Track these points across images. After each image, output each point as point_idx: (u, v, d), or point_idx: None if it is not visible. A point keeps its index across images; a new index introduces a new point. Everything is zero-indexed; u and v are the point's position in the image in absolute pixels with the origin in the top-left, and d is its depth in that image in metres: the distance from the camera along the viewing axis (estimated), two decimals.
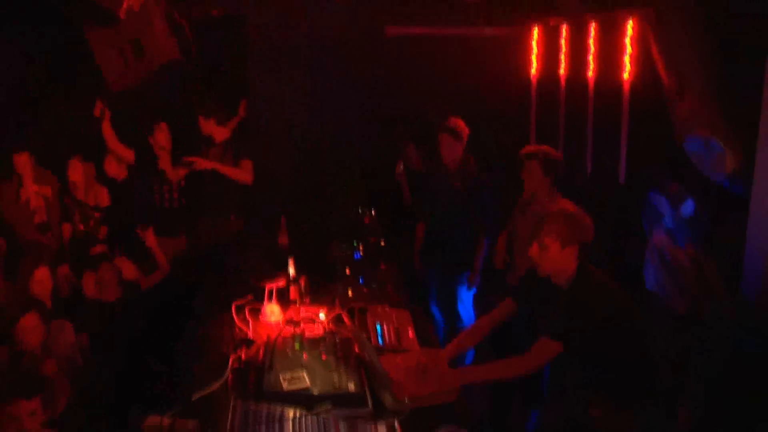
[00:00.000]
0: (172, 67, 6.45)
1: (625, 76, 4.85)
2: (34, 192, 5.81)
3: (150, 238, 5.51)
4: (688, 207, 4.28)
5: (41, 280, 4.79)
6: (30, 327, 4.28)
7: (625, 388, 3.18)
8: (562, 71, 5.86)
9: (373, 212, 5.51)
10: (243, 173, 5.80)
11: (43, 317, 4.38)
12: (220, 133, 5.95)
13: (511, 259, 4.81)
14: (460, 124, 5.19)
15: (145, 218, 5.79)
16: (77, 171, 6.07)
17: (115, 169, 6.42)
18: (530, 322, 3.53)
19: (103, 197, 6.22)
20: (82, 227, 6.04)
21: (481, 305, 5.16)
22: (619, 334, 3.15)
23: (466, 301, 5.26)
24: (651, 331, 3.55)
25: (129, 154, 6.14)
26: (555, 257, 3.23)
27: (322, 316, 3.86)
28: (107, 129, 6.01)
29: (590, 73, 5.35)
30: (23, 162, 5.74)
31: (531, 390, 4.42)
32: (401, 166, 6.39)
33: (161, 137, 6.08)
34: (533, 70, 6.37)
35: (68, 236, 5.95)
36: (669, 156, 4.43)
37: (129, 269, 5.32)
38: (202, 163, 5.74)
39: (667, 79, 4.33)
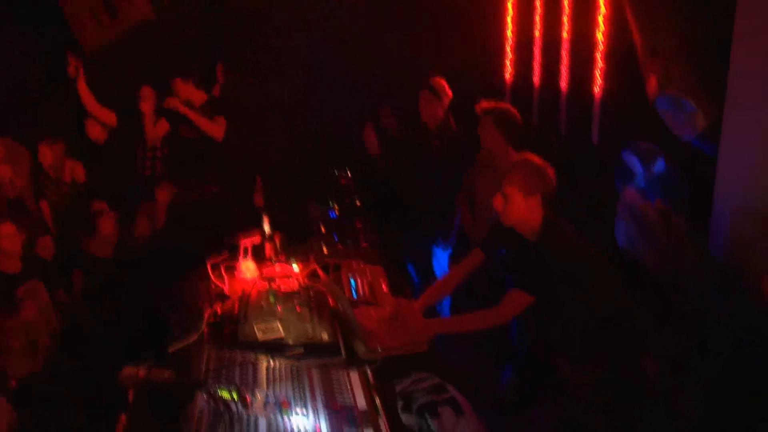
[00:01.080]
0: (146, 29, 6.39)
1: (599, 36, 4.88)
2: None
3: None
4: (659, 165, 4.33)
5: (7, 234, 4.76)
6: (6, 234, 4.32)
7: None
8: (537, 33, 5.88)
9: (348, 173, 5.52)
10: (215, 128, 5.76)
11: (21, 228, 4.40)
12: (197, 96, 5.92)
13: (472, 216, 4.85)
14: (442, 83, 5.20)
15: (127, 185, 5.80)
16: (47, 155, 5.99)
17: (97, 132, 6.37)
18: (499, 272, 3.58)
19: (78, 172, 6.17)
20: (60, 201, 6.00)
21: (456, 264, 5.21)
22: (587, 285, 3.21)
23: (441, 259, 5.31)
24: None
25: (110, 117, 6.09)
26: (519, 207, 3.28)
27: (295, 267, 3.90)
28: (84, 90, 5.95)
29: (565, 34, 5.37)
30: None
31: (501, 346, 4.48)
32: (370, 126, 6.22)
33: (146, 101, 6.04)
34: (509, 32, 6.38)
35: (48, 211, 5.89)
36: (641, 115, 4.46)
37: (111, 224, 5.32)
38: (176, 104, 5.68)
39: (640, 38, 4.36)
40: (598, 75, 4.98)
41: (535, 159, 3.38)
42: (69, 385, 3.50)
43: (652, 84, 4.19)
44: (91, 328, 4.24)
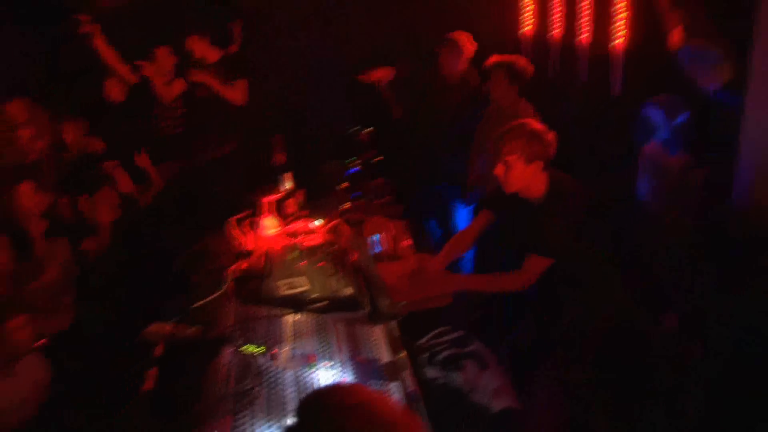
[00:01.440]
0: None
1: None
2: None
3: (142, 158, 5.54)
4: (681, 118, 4.28)
5: (26, 193, 4.81)
6: (25, 192, 4.40)
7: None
8: None
9: (369, 130, 5.51)
10: (236, 92, 5.75)
11: (40, 188, 4.48)
12: (212, 53, 5.89)
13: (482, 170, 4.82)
14: (461, 37, 5.15)
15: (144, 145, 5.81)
16: (69, 132, 6.00)
17: (116, 92, 6.37)
18: (506, 232, 3.60)
19: (95, 145, 6.18)
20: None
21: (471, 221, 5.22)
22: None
23: (462, 215, 5.31)
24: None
25: (131, 75, 6.09)
26: (521, 174, 3.25)
27: (318, 223, 3.92)
28: (103, 46, 5.94)
29: None
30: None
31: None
32: (387, 82, 6.18)
33: (163, 59, 6.01)
34: None
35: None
36: (664, 67, 4.40)
37: (126, 183, 5.34)
38: (198, 76, 5.68)
39: None
40: (620, 26, 4.90)
41: (535, 124, 3.33)
42: (99, 340, 3.55)
43: (675, 35, 4.12)
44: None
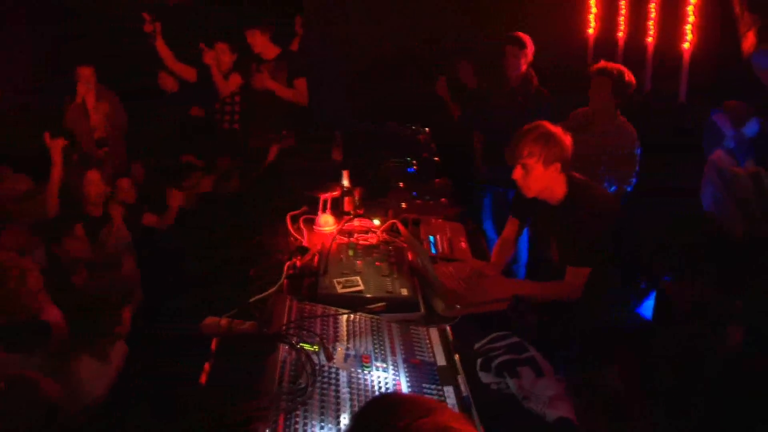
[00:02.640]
0: None
1: None
2: (93, 107, 5.93)
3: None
4: (751, 126, 4.16)
5: (92, 180, 4.93)
6: (92, 180, 4.59)
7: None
8: None
9: (427, 129, 5.50)
10: (298, 94, 5.78)
11: (104, 175, 4.63)
12: (272, 49, 5.93)
13: None
14: (526, 37, 5.12)
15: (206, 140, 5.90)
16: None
17: (170, 83, 6.48)
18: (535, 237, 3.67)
19: None
20: None
21: None
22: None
23: None
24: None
25: (190, 73, 6.18)
26: (540, 177, 3.26)
27: (376, 222, 3.91)
28: (162, 47, 6.05)
29: None
30: (87, 75, 5.86)
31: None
32: (443, 81, 6.21)
33: (224, 56, 6.08)
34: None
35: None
36: (734, 72, 4.28)
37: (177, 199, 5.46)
38: (263, 81, 5.73)
39: None
40: (688, 30, 4.79)
41: (550, 126, 3.31)
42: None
43: (749, 39, 4.00)
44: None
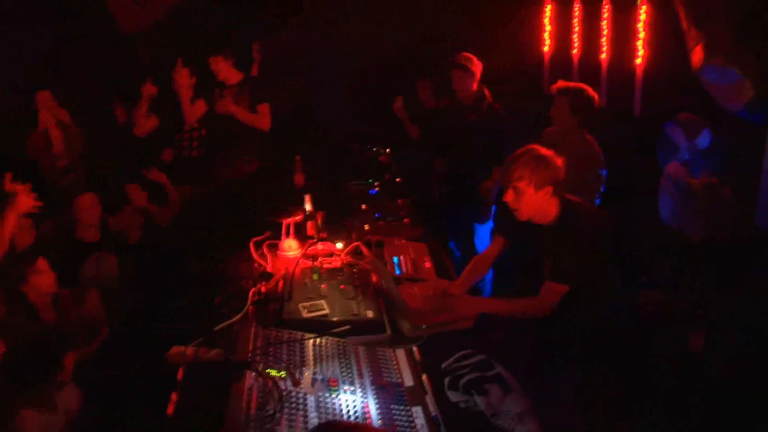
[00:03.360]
0: (185, 8, 6.42)
1: (641, 6, 4.79)
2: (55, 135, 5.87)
3: (157, 175, 5.57)
4: (704, 138, 4.25)
5: (86, 204, 4.83)
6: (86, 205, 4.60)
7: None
8: (576, 4, 5.79)
9: (387, 150, 5.52)
10: (261, 119, 5.75)
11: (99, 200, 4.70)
12: (234, 75, 5.92)
13: None
14: (471, 58, 5.17)
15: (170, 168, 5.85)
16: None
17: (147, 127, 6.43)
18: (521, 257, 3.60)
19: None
20: None
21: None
22: (588, 285, 3.20)
23: (482, 235, 5.30)
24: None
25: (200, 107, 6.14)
26: (531, 200, 3.21)
27: (339, 245, 3.91)
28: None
29: (605, 5, 5.29)
30: (46, 100, 5.82)
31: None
32: (400, 102, 6.20)
33: (183, 81, 6.04)
34: (548, 8, 6.29)
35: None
36: (685, 87, 4.38)
37: (141, 198, 5.36)
38: (227, 106, 5.69)
39: (684, 7, 4.26)
40: (640, 46, 4.89)
41: (542, 150, 3.27)
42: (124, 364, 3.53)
43: (696, 54, 4.10)
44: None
